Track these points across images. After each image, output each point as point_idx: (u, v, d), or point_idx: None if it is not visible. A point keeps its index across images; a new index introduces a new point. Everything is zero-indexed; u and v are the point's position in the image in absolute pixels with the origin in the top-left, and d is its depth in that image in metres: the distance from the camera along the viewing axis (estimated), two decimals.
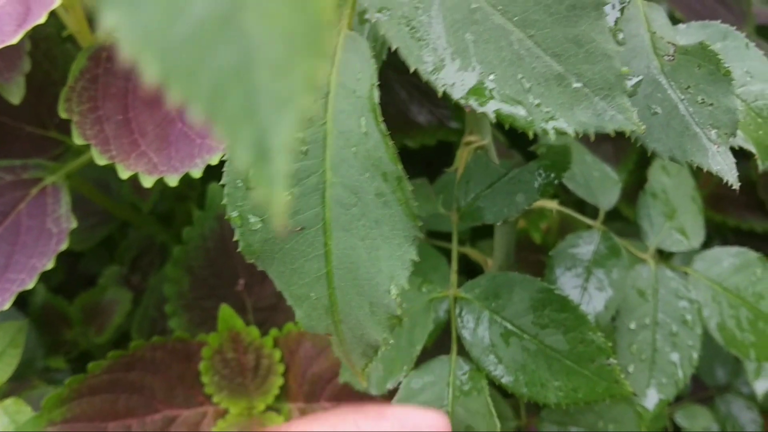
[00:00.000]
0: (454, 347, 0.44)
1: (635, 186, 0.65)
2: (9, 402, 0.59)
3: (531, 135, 0.27)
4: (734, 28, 0.38)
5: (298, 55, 0.14)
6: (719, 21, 0.68)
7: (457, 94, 0.27)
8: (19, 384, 0.63)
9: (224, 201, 0.31)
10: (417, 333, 0.44)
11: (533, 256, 0.70)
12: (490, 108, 0.27)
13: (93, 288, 0.72)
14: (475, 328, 0.43)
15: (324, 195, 0.30)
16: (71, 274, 0.77)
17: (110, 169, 0.61)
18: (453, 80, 0.27)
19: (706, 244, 0.56)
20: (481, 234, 0.65)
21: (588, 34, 0.27)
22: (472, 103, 0.27)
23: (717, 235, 0.73)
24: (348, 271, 0.31)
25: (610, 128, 0.28)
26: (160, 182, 0.47)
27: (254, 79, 0.14)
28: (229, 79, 0.14)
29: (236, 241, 0.57)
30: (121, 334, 0.71)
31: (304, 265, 0.32)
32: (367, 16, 0.28)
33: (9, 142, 0.61)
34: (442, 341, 0.46)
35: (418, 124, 0.63)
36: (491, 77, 0.27)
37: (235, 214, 0.31)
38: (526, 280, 0.43)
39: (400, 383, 0.45)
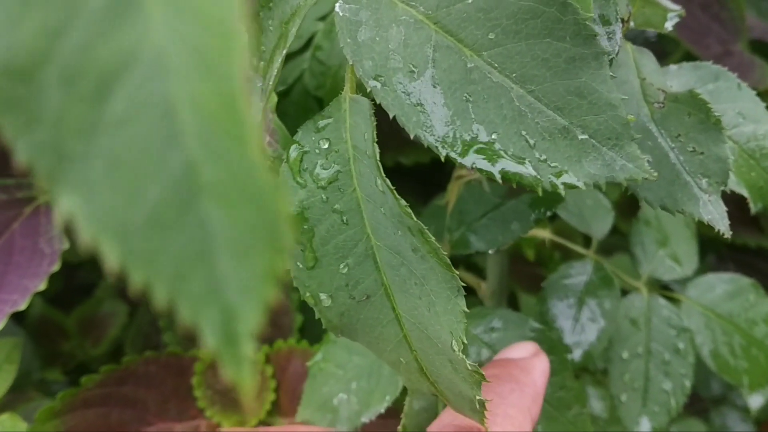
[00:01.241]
0: None
1: (631, 201, 0.65)
2: (5, 417, 0.59)
3: (540, 192, 0.27)
4: (726, 68, 0.38)
5: (258, 247, 0.14)
6: (713, 38, 0.69)
7: (460, 157, 0.27)
8: (15, 396, 0.63)
9: (295, 284, 0.31)
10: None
11: (528, 269, 0.70)
12: (495, 168, 0.27)
13: (89, 300, 0.72)
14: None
15: (376, 260, 0.30)
16: (67, 285, 0.77)
17: None
18: (454, 143, 0.27)
19: (700, 259, 0.56)
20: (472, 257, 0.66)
21: (590, 85, 0.27)
22: (476, 162, 0.27)
23: (711, 250, 0.73)
24: (420, 331, 0.30)
25: (621, 177, 0.27)
26: None
27: (216, 265, 0.14)
28: (191, 264, 0.14)
29: None
30: (118, 345, 0.71)
31: (383, 332, 0.31)
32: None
33: (2, 161, 0.61)
34: None
35: (412, 142, 0.63)
36: (494, 136, 0.27)
37: (308, 294, 0.31)
38: (520, 319, 0.43)
39: (380, 413, 0.44)
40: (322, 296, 0.31)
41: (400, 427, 0.42)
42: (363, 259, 0.30)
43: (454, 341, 0.29)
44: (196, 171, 0.14)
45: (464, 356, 0.30)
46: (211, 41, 0.14)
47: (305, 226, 0.30)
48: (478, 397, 0.31)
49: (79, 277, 0.78)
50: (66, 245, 0.52)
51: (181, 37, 0.14)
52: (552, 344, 0.42)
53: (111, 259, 0.14)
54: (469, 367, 0.30)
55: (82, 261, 0.73)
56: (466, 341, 0.30)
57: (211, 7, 0.14)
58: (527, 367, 0.39)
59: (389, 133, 0.63)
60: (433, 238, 0.29)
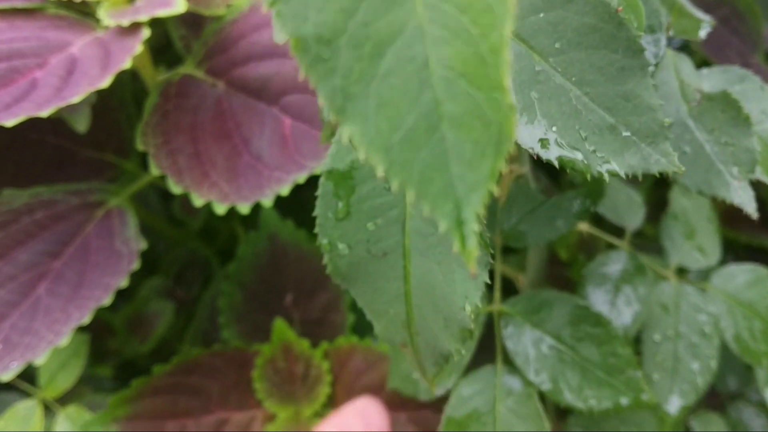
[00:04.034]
0: (499, 357, 0.49)
1: (653, 204, 0.69)
2: (71, 409, 0.63)
3: (588, 177, 0.32)
4: (751, 71, 0.43)
5: (484, 156, 0.20)
6: (733, 50, 0.73)
7: (526, 144, 0.32)
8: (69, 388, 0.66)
9: (316, 230, 0.35)
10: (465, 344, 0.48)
11: (556, 270, 0.74)
12: (554, 155, 0.32)
13: (134, 299, 0.75)
14: (518, 339, 0.48)
15: (404, 225, 0.34)
16: None
17: (150, 187, 0.64)
18: (522, 133, 0.32)
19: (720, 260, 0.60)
20: (508, 249, 0.69)
21: (635, 91, 0.32)
22: (539, 151, 0.32)
23: (729, 251, 0.76)
24: (425, 290, 0.35)
25: (655, 170, 0.32)
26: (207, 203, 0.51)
27: (451, 171, 0.20)
28: (433, 171, 0.20)
29: (288, 260, 0.61)
30: (165, 343, 0.75)
31: (384, 285, 0.36)
32: None
33: (69, 166, 0.65)
34: (479, 351, 0.51)
35: None
36: (554, 129, 0.32)
37: (325, 241, 0.35)
38: (564, 298, 0.48)
39: (448, 390, 0.49)
40: (340, 245, 0.36)
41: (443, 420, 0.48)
42: (392, 222, 0.35)
43: (467, 304, 0.34)
44: (438, 105, 0.20)
45: (472, 318, 0.35)
46: (460, 17, 0.20)
47: (349, 182, 0.35)
48: (456, 347, 0.36)
49: None
50: (143, 245, 0.56)
51: (436, 15, 0.20)
52: (597, 319, 0.47)
53: (379, 169, 0.21)
54: (468, 327, 0.35)
55: None
56: (480, 306, 0.34)
57: None
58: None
59: None
60: (482, 222, 0.34)
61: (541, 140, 0.32)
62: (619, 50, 0.32)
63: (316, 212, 0.35)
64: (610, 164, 0.32)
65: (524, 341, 0.47)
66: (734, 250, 0.77)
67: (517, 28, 0.32)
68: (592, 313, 0.47)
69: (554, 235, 0.47)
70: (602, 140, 0.32)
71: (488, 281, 0.34)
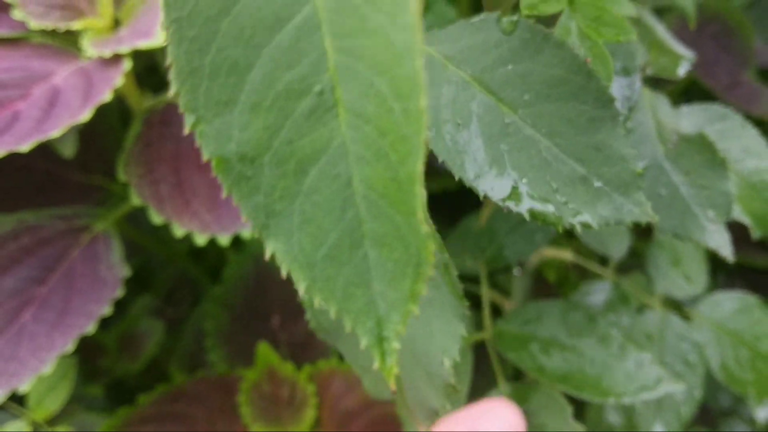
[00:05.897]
0: (501, 381, 0.48)
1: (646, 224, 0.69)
2: (59, 430, 0.63)
3: (560, 229, 0.32)
4: (731, 109, 0.43)
5: (404, 276, 0.20)
6: (722, 68, 0.73)
7: (496, 197, 0.32)
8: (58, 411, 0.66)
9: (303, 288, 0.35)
10: (461, 377, 0.48)
11: (547, 291, 0.74)
12: (524, 207, 0.32)
13: (126, 317, 0.75)
14: (519, 352, 0.47)
15: None
16: None
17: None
18: (492, 185, 0.32)
19: (710, 278, 0.60)
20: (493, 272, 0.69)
21: (606, 141, 0.32)
22: (509, 203, 0.32)
23: (720, 269, 0.76)
24: (405, 344, 0.34)
25: (628, 220, 0.32)
26: None
27: (373, 288, 0.20)
28: (355, 288, 0.20)
29: (272, 287, 0.61)
30: (155, 362, 0.75)
31: None
32: None
33: (57, 190, 0.65)
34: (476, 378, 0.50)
35: (441, 170, 0.67)
36: (524, 181, 0.32)
37: (307, 297, 0.35)
38: (550, 304, 0.48)
39: None
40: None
41: None
42: None
43: (446, 358, 0.34)
44: (361, 223, 0.21)
45: (451, 372, 0.34)
46: (381, 140, 0.20)
47: None
48: (441, 403, 0.35)
49: None
50: (127, 272, 0.56)
51: (359, 135, 0.20)
52: (584, 311, 0.47)
53: (300, 286, 0.21)
54: (450, 382, 0.34)
55: None
56: (458, 359, 0.34)
57: (382, 118, 0.20)
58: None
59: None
60: (455, 273, 0.34)
61: (511, 192, 0.32)
62: (589, 101, 0.32)
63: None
64: (582, 215, 0.32)
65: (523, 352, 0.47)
66: (725, 269, 0.77)
67: (486, 80, 0.32)
68: (577, 305, 0.47)
69: (533, 248, 0.47)
70: (574, 191, 0.32)
71: (465, 334, 0.33)
